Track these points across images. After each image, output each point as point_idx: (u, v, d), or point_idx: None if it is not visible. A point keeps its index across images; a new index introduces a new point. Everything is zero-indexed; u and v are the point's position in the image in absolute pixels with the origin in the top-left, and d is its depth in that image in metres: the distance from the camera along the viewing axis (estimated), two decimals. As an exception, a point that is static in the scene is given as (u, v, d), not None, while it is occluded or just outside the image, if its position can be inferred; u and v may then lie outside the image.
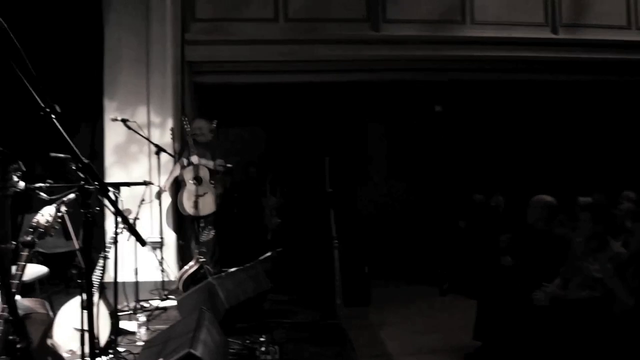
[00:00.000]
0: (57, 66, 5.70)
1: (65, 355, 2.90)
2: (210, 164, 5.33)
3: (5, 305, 1.83)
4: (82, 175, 2.37)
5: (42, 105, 1.36)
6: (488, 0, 6.64)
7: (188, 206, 5.13)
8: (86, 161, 1.56)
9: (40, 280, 4.08)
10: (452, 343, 3.96)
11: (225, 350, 3.07)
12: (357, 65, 6.69)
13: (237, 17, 6.59)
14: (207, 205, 5.19)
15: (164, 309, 4.57)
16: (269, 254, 5.01)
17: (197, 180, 5.07)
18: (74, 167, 3.39)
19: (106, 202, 2.46)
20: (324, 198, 5.63)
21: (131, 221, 3.76)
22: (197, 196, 5.10)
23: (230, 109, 6.36)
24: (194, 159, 5.11)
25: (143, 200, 4.77)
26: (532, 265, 3.77)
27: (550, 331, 3.08)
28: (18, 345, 1.48)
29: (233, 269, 4.32)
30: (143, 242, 1.73)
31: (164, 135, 5.92)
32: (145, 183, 4.73)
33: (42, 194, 2.69)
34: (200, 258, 4.73)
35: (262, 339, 3.36)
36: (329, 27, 6.55)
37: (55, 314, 3.28)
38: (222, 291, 3.76)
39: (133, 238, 4.14)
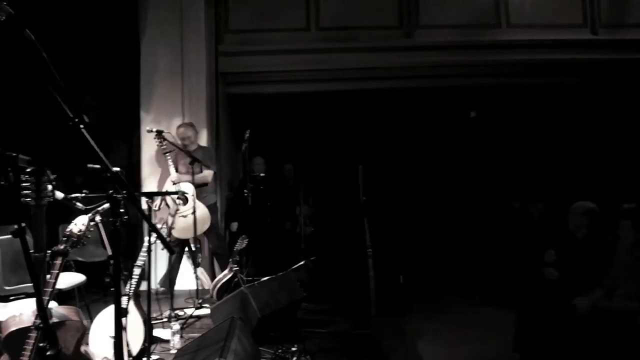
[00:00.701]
0: (96, 81, 5.90)
1: (99, 362, 2.94)
2: (207, 174, 5.20)
3: (37, 312, 1.88)
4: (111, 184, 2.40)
5: (71, 115, 1.38)
6: (524, 2, 6.49)
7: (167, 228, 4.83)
8: (115, 170, 1.58)
9: (78, 288, 4.19)
10: (489, 355, 3.84)
11: (256, 359, 3.06)
12: (390, 72, 6.64)
13: (269, 27, 6.66)
14: (185, 230, 4.88)
15: (198, 317, 4.61)
16: (302, 262, 5.00)
17: (181, 199, 4.61)
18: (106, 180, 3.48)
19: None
20: (358, 207, 5.59)
21: (166, 230, 3.81)
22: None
23: (262, 118, 6.41)
24: (173, 176, 4.97)
25: (177, 210, 4.83)
26: (574, 274, 3.63)
27: (594, 344, 2.95)
28: (48, 352, 1.50)
29: (266, 278, 4.33)
30: (172, 251, 1.74)
31: (198, 146, 6.03)
32: (179, 193, 4.79)
33: (78, 204, 2.75)
34: (234, 267, 4.76)
35: (294, 349, 3.34)
36: (361, 34, 6.53)
37: (92, 321, 3.35)
38: (255, 300, 3.76)
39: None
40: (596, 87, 6.77)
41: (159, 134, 4.88)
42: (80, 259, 4.86)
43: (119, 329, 1.64)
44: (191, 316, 4.58)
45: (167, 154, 4.93)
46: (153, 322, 3.74)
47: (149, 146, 5.72)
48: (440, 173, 6.76)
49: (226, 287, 4.72)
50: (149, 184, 5.90)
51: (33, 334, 1.98)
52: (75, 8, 5.55)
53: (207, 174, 5.24)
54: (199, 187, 5.09)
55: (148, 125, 5.37)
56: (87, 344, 2.56)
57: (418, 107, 6.86)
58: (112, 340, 3.01)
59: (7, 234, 3.82)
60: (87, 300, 4.42)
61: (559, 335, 3.17)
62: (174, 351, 3.57)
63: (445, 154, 6.79)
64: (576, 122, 6.86)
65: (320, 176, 6.57)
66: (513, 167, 6.78)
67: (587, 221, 3.70)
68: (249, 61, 6.65)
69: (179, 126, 5.42)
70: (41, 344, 1.49)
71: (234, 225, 5.88)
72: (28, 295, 3.66)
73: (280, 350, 3.41)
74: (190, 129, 5.39)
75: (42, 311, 1.45)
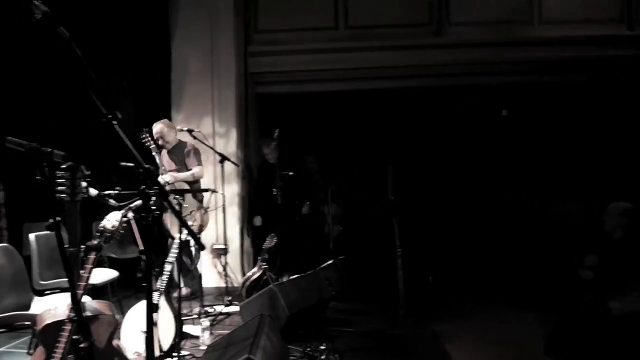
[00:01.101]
0: (128, 82, 6.03)
1: (131, 356, 2.99)
2: (188, 174, 5.01)
3: (71, 306, 1.92)
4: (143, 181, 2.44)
5: (104, 112, 1.41)
6: (557, -2, 6.35)
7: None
8: (146, 166, 1.61)
9: (111, 284, 4.28)
10: (520, 357, 3.76)
11: (285, 357, 3.06)
12: (419, 70, 6.57)
13: (298, 27, 6.67)
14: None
15: (227, 314, 4.65)
16: (330, 261, 5.00)
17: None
18: (139, 176, 3.54)
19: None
20: (387, 206, 5.55)
21: (196, 228, 3.86)
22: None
23: (291, 118, 6.42)
24: (167, 177, 4.82)
25: (208, 207, 4.89)
26: (610, 276, 3.53)
27: (629, 346, 2.86)
28: (81, 345, 1.53)
29: (295, 276, 4.34)
30: (202, 247, 1.76)
31: (228, 145, 6.10)
32: (209, 191, 4.86)
33: (111, 200, 2.81)
34: (263, 265, 4.79)
35: (322, 347, 3.34)
36: (391, 33, 6.48)
37: (123, 316, 3.42)
38: (284, 298, 3.78)
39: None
40: (631, 84, 6.56)
41: (190, 132, 4.95)
42: (113, 255, 4.98)
43: (151, 324, 1.66)
44: (220, 313, 4.63)
45: (155, 153, 4.85)
46: (183, 318, 3.80)
47: (180, 145, 5.80)
48: (470, 173, 6.65)
49: (255, 285, 4.76)
50: (180, 182, 5.98)
51: (67, 327, 2.03)
52: (108, 11, 5.68)
53: (199, 170, 5.13)
54: (193, 184, 5.08)
55: (179, 125, 5.45)
56: (119, 338, 2.60)
57: (448, 106, 6.76)
58: (143, 335, 3.07)
59: (43, 230, 3.96)
60: (119, 295, 4.51)
61: (594, 338, 3.09)
62: (203, 347, 3.61)
63: (476, 154, 6.68)
64: (611, 120, 6.66)
65: (349, 176, 6.54)
66: (546, 167, 6.62)
67: (625, 221, 3.60)
68: (277, 61, 6.68)
69: (156, 124, 5.14)
70: (75, 337, 1.52)
71: (258, 220, 5.88)
72: (62, 290, 3.76)
73: (308, 349, 3.42)
74: (165, 127, 5.15)
75: (77, 304, 1.48)
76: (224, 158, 5.04)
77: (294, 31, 6.71)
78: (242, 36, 6.54)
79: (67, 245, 1.90)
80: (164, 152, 5.11)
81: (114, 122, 1.42)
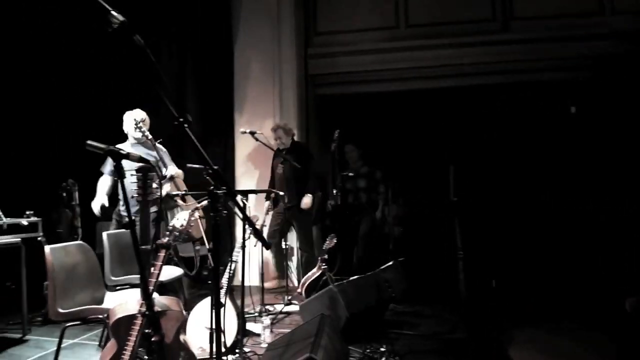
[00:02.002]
0: (193, 86, 6.23)
1: (195, 352, 3.08)
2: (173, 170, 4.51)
3: (143, 302, 2.01)
4: (212, 181, 2.51)
5: (176, 115, 1.46)
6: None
7: None
8: (215, 167, 1.66)
9: (177, 281, 4.43)
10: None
11: (345, 358, 3.06)
12: (483, 68, 6.40)
13: (358, 27, 6.69)
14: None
15: (287, 313, 4.71)
16: (390, 263, 4.95)
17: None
18: (207, 177, 3.65)
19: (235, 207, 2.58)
20: (449, 207, 5.43)
21: (258, 227, 3.92)
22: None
23: (351, 119, 6.42)
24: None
25: (269, 208, 4.97)
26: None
27: None
28: (152, 339, 1.60)
29: (354, 277, 4.33)
30: (268, 246, 1.79)
31: (288, 146, 6.17)
32: (271, 191, 4.93)
33: (178, 200, 2.91)
34: (323, 265, 4.81)
35: (382, 349, 3.31)
36: (453, 30, 6.36)
37: (188, 313, 3.53)
38: (344, 299, 3.77)
39: (259, 244, 4.34)
40: None
41: (252, 134, 5.05)
42: (181, 253, 5.15)
43: (218, 320, 1.71)
44: (280, 312, 4.70)
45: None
46: (245, 315, 3.87)
47: (242, 146, 5.96)
48: (537, 173, 6.40)
49: (314, 285, 4.78)
50: (243, 183, 6.13)
51: (138, 321, 2.13)
52: (173, 16, 5.89)
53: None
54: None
55: (241, 127, 5.57)
56: (184, 333, 2.69)
57: (513, 104, 6.54)
58: (207, 331, 3.16)
59: (113, 229, 4.15)
60: (185, 292, 4.67)
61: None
62: (264, 345, 3.67)
63: (543, 153, 6.42)
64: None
65: (410, 176, 6.46)
66: (618, 166, 6.28)
67: None
68: (337, 62, 6.71)
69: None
70: (146, 330, 1.59)
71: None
72: (132, 286, 3.93)
73: (368, 350, 3.40)
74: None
75: (149, 300, 1.54)
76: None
77: (353, 32, 6.73)
78: (302, 39, 6.63)
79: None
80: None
81: (185, 125, 1.47)
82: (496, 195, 6.33)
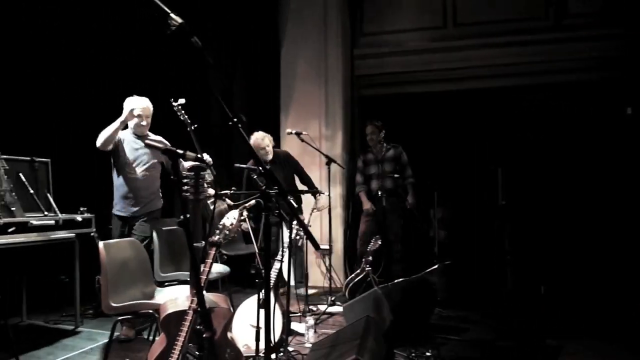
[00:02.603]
0: (239, 86, 6.32)
1: (240, 349, 3.12)
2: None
3: (195, 298, 2.05)
4: (260, 182, 2.54)
5: (230, 115, 1.48)
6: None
7: None
8: (268, 167, 1.67)
9: (222, 278, 4.51)
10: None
11: (390, 361, 3.04)
12: (533, 67, 6.21)
13: (404, 28, 6.62)
14: None
15: (331, 314, 4.71)
16: (436, 266, 4.88)
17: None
18: (253, 176, 3.70)
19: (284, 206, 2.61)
20: (497, 211, 5.31)
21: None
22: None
23: (396, 120, 6.37)
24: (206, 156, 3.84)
25: (314, 208, 4.98)
26: None
27: None
28: (204, 335, 1.62)
29: (399, 280, 4.29)
30: (317, 246, 1.80)
31: (334, 147, 6.19)
32: (316, 192, 4.94)
33: (227, 200, 2.95)
34: (367, 267, 4.79)
35: (428, 354, 3.27)
36: (502, 28, 6.20)
37: (234, 311, 3.58)
38: (388, 301, 3.74)
39: (304, 244, 4.34)
40: None
41: (298, 135, 5.07)
42: (224, 251, 5.23)
43: (268, 318, 1.72)
44: (324, 312, 4.70)
45: (189, 129, 4.21)
46: (290, 315, 3.90)
47: (288, 147, 5.97)
48: (591, 176, 6.16)
49: (358, 287, 4.77)
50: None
51: (188, 317, 2.17)
52: (219, 18, 5.97)
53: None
54: None
55: (287, 128, 5.61)
56: (231, 330, 2.73)
57: (565, 104, 6.32)
58: (252, 329, 3.20)
59: (163, 226, 4.25)
60: (229, 290, 4.74)
61: None
62: (308, 345, 3.69)
63: (597, 156, 6.17)
64: None
65: (456, 178, 6.34)
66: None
67: None
68: (383, 63, 6.68)
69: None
70: (198, 327, 1.62)
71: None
72: (180, 282, 4.03)
73: (413, 354, 3.36)
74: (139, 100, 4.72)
75: (201, 297, 1.57)
76: (330, 160, 5.11)
77: (400, 32, 6.67)
78: (349, 40, 6.62)
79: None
80: None
81: (240, 126, 1.49)
82: (546, 198, 6.13)
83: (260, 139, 4.96)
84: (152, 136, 4.26)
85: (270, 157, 4.99)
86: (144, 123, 4.10)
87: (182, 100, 3.93)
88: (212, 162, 3.63)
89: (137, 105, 4.08)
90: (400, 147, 5.77)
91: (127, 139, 4.16)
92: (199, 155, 1.66)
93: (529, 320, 4.51)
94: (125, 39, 5.45)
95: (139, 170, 4.17)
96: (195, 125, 3.94)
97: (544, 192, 6.10)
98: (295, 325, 4.10)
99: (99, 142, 3.94)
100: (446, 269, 4.99)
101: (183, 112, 3.94)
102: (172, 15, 1.38)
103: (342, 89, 6.38)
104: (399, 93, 6.74)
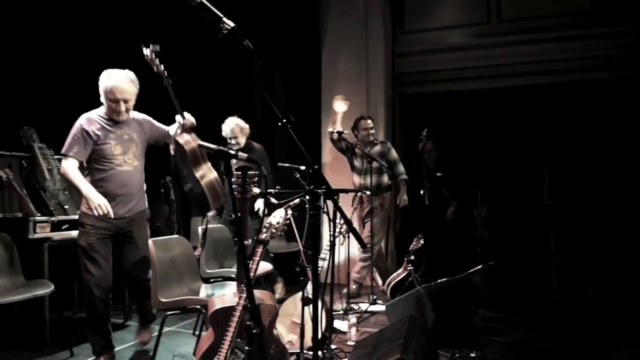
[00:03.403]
0: (280, 85, 6.39)
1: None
2: None
3: (243, 295, 2.10)
4: (304, 181, 2.56)
5: (280, 115, 1.52)
6: None
7: None
8: (316, 167, 1.70)
9: (265, 276, 4.58)
10: None
11: (434, 361, 3.02)
12: (580, 63, 6.04)
13: (446, 25, 6.55)
14: None
15: (372, 313, 4.71)
16: (479, 267, 4.81)
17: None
18: (297, 175, 3.74)
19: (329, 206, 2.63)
20: (542, 211, 5.19)
21: (344, 227, 3.95)
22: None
23: (437, 118, 6.31)
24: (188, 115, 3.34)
25: (356, 207, 4.99)
26: None
27: None
28: (253, 331, 1.67)
29: (442, 280, 4.25)
30: (364, 245, 1.81)
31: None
32: (359, 191, 4.96)
33: (272, 198, 3.00)
34: (409, 266, 4.77)
35: (472, 355, 3.23)
36: (548, 23, 6.05)
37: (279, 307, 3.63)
38: (431, 301, 3.72)
39: (346, 243, 4.34)
40: None
41: (339, 134, 5.09)
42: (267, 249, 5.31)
43: (315, 315, 1.75)
44: (366, 311, 4.71)
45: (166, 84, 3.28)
46: (332, 313, 3.93)
47: (329, 146, 6.01)
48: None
49: (400, 286, 4.75)
50: (330, 182, 6.20)
51: (236, 313, 2.22)
52: (261, 17, 6.03)
53: None
54: None
55: (328, 126, 5.63)
56: (276, 327, 2.77)
57: (615, 101, 6.11)
58: (296, 326, 3.24)
59: (204, 225, 4.34)
60: (272, 287, 4.81)
61: None
62: (350, 343, 3.71)
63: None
64: None
65: (501, 178, 6.23)
66: None
67: None
68: (425, 60, 6.63)
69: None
70: (248, 323, 1.66)
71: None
72: (225, 279, 4.12)
73: (457, 355, 3.33)
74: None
75: (250, 293, 1.61)
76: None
77: (441, 30, 6.61)
78: (390, 38, 6.59)
79: (236, 239, 2.07)
80: None
81: (289, 126, 1.53)
82: (594, 198, 5.95)
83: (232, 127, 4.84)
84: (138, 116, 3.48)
85: (240, 146, 4.86)
86: (122, 108, 3.23)
87: (156, 47, 3.06)
88: (195, 124, 3.24)
89: (115, 86, 3.17)
90: (389, 143, 5.60)
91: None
92: (247, 156, 1.69)
93: (573, 324, 4.40)
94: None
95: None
96: (174, 79, 3.11)
97: (591, 192, 5.92)
98: (337, 324, 4.12)
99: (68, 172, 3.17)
100: (490, 269, 4.92)
101: (158, 61, 3.05)
102: (224, 19, 1.42)
103: (383, 87, 6.36)
104: (441, 91, 6.68)
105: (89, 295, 3.26)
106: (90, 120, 3.21)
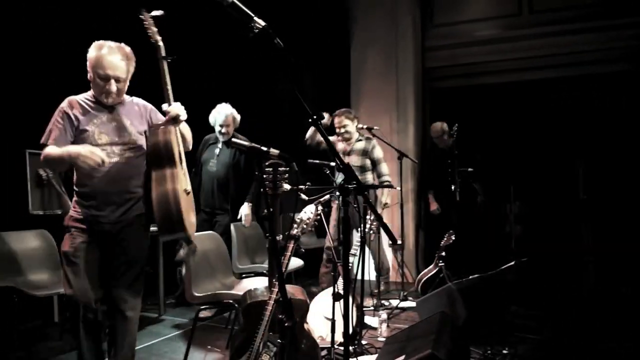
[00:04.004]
0: (309, 80, 6.40)
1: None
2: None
3: (275, 289, 2.13)
4: (333, 178, 2.57)
5: (310, 113, 1.54)
6: None
7: None
8: (346, 163, 1.71)
9: (295, 272, 4.63)
10: None
11: (465, 357, 3.00)
12: (615, 53, 5.87)
13: (476, 17, 6.46)
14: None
15: (403, 309, 4.70)
16: (512, 263, 4.75)
17: None
18: (327, 172, 3.75)
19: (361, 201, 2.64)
20: (577, 206, 5.09)
21: (375, 223, 3.95)
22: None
23: (468, 112, 6.23)
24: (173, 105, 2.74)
25: (386, 203, 4.98)
26: None
27: None
28: (285, 324, 1.70)
29: (474, 276, 4.22)
30: (395, 240, 1.82)
31: (405, 141, 6.15)
32: (388, 186, 4.93)
33: (302, 195, 3.02)
34: (440, 262, 4.74)
35: (505, 352, 3.20)
36: (583, 13, 5.90)
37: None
38: (462, 297, 3.69)
39: (376, 239, 4.34)
40: None
41: (369, 130, 5.07)
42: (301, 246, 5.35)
43: (347, 310, 1.77)
44: (396, 307, 4.71)
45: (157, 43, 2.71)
46: (363, 309, 3.94)
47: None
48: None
49: (431, 282, 4.73)
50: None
51: (268, 307, 2.26)
52: (290, 14, 6.04)
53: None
54: None
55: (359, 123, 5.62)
56: (307, 321, 2.80)
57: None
58: (327, 322, 3.26)
59: (238, 220, 4.40)
60: (302, 283, 4.85)
61: None
62: (381, 339, 3.71)
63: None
64: None
65: (533, 172, 6.11)
66: None
67: None
68: (454, 54, 6.56)
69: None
70: (280, 316, 1.69)
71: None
72: (256, 274, 4.17)
73: (489, 352, 3.30)
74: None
75: (283, 288, 1.64)
76: (402, 155, 5.08)
77: (471, 22, 6.52)
78: (419, 32, 6.54)
79: (267, 234, 2.11)
80: None
81: (319, 123, 1.55)
82: (631, 193, 5.79)
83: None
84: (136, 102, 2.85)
85: (229, 137, 4.61)
86: (112, 88, 2.60)
87: (159, 12, 2.63)
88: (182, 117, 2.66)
89: (106, 59, 2.56)
90: (374, 140, 5.00)
91: None
92: (280, 153, 1.71)
93: (607, 322, 4.30)
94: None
95: None
96: (173, 58, 2.64)
97: (628, 186, 5.76)
98: (368, 319, 4.13)
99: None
100: (523, 265, 4.85)
101: (156, 29, 2.63)
102: (255, 18, 1.45)
103: (413, 82, 6.32)
104: (472, 85, 6.60)
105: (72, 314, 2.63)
106: (72, 103, 2.62)
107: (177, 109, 2.63)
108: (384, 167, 4.93)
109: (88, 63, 2.57)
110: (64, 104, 2.61)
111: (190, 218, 2.70)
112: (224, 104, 4.63)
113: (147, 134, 2.68)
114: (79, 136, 2.56)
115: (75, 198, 2.63)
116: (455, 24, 6.59)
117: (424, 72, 6.66)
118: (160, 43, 2.57)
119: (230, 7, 1.47)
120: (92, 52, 2.57)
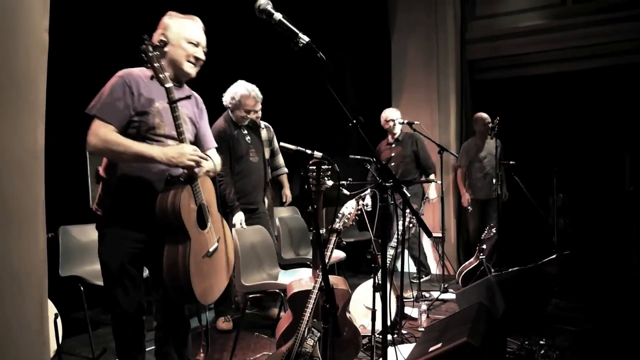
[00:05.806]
0: (350, 74, 6.49)
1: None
2: None
3: (318, 279, 2.29)
4: (376, 174, 2.72)
5: (351, 117, 1.69)
6: None
7: None
8: (384, 162, 1.84)
9: (338, 264, 4.78)
10: None
11: (502, 347, 3.09)
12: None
13: (519, 8, 6.40)
14: None
15: (443, 300, 4.79)
16: (554, 256, 4.76)
17: None
18: (367, 167, 3.89)
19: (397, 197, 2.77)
20: (623, 198, 5.02)
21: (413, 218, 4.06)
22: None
23: (510, 104, 6.20)
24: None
25: (427, 197, 5.06)
26: None
27: None
28: (328, 311, 1.84)
29: (514, 269, 4.26)
30: (430, 234, 1.93)
31: (446, 134, 6.18)
32: (429, 181, 5.02)
33: (344, 190, 3.18)
34: (480, 255, 4.80)
35: (542, 342, 3.26)
36: (630, 2, 5.76)
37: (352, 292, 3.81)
38: (502, 290, 3.76)
39: (415, 233, 4.43)
40: None
41: (410, 124, 5.15)
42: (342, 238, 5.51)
43: (385, 300, 1.91)
44: (437, 299, 4.80)
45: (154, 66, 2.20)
46: (403, 300, 4.07)
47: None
48: None
49: (471, 275, 4.80)
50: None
51: (313, 296, 2.43)
52: (331, 7, 6.14)
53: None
54: None
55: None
56: (349, 310, 2.95)
57: None
58: (368, 311, 3.41)
59: (285, 214, 4.58)
60: (345, 275, 5.00)
61: None
62: (421, 329, 3.83)
63: None
64: None
65: (578, 164, 6.04)
66: None
67: None
68: (496, 46, 6.52)
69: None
70: (324, 304, 1.84)
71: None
72: (300, 265, 4.35)
73: (527, 343, 3.37)
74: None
75: (326, 277, 1.78)
76: (442, 149, 5.13)
77: (513, 14, 6.47)
78: (459, 24, 6.53)
79: (311, 228, 2.26)
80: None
81: (359, 126, 1.69)
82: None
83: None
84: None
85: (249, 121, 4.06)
86: (202, 55, 2.35)
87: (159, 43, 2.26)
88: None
89: (191, 24, 2.33)
90: (272, 129, 4.48)
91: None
92: (323, 155, 1.85)
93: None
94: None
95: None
96: (181, 99, 2.24)
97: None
98: (408, 310, 4.25)
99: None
100: (565, 258, 4.84)
101: (166, 76, 2.14)
102: (300, 34, 1.60)
103: (454, 74, 6.33)
104: (515, 76, 6.55)
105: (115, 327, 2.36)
106: (132, 74, 2.22)
107: (212, 164, 2.30)
108: (281, 159, 4.61)
109: (165, 30, 2.27)
110: (122, 73, 2.21)
111: (209, 282, 2.28)
112: (242, 82, 3.98)
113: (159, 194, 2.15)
114: (139, 118, 2.19)
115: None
116: (497, 15, 6.55)
117: (465, 64, 6.65)
118: (169, 85, 2.09)
119: (277, 25, 1.63)
120: (172, 19, 2.29)
